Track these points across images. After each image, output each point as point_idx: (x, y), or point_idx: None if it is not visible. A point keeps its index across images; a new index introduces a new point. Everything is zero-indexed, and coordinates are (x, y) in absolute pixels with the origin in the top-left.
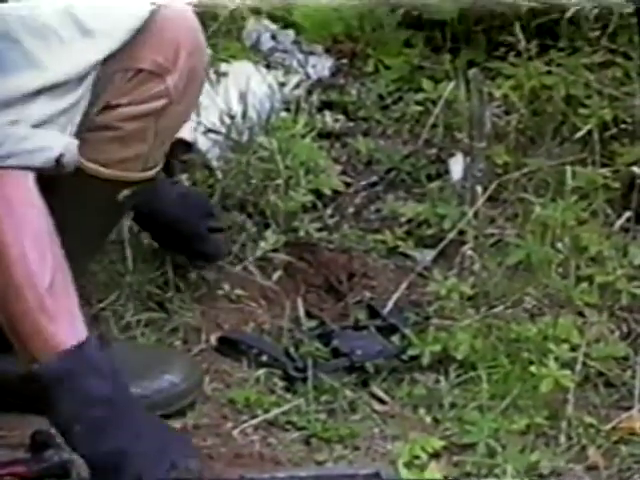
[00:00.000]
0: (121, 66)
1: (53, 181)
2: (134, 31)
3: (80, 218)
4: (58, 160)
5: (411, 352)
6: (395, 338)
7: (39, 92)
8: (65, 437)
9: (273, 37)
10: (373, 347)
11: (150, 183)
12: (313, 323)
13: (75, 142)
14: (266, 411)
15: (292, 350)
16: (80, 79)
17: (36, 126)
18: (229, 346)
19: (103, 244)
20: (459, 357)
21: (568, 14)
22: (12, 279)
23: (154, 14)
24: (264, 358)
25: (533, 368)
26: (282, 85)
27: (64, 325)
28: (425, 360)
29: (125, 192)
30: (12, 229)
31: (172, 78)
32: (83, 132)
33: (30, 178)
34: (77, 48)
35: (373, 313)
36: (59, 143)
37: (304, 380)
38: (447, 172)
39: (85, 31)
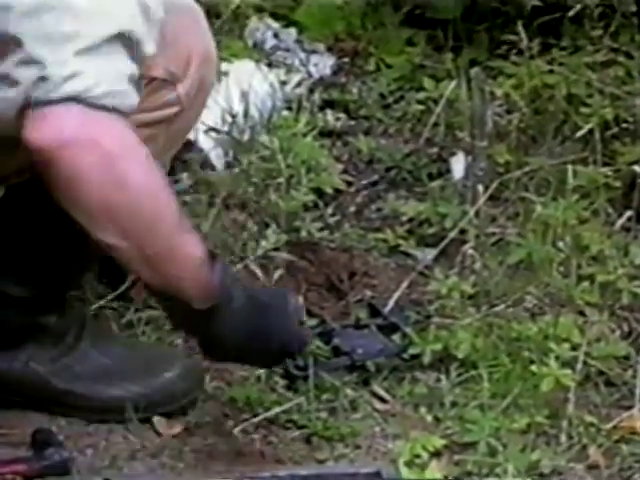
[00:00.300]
0: None
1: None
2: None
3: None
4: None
5: (412, 351)
6: (396, 337)
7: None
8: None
9: (275, 36)
10: (374, 346)
11: None
12: (314, 322)
13: None
14: (267, 409)
15: None
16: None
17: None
18: None
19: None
20: (460, 356)
21: (571, 13)
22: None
23: (168, 23)
24: None
25: (534, 367)
26: (284, 84)
27: (201, 245)
28: (426, 359)
29: None
30: (139, 168)
31: (184, 86)
32: None
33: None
34: None
35: (374, 312)
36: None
37: (305, 379)
38: (448, 171)
39: None
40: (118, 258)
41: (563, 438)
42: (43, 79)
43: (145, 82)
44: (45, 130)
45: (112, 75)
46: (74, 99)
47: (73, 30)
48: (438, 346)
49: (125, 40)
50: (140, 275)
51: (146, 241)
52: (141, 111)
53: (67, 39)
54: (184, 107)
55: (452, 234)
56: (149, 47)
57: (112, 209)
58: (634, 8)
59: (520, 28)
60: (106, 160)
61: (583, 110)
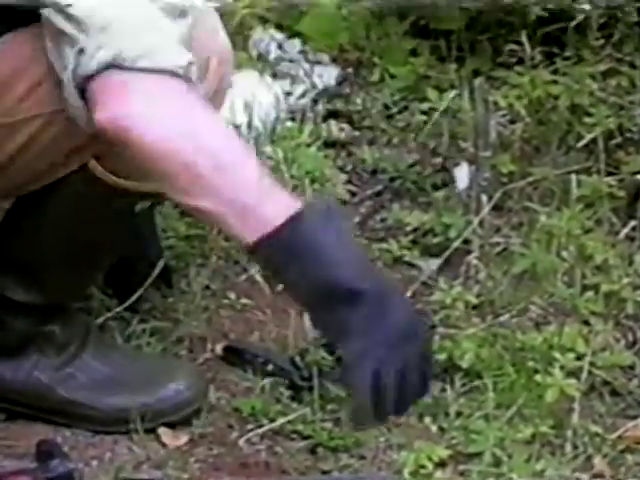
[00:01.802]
0: None
1: (69, 190)
2: None
3: (95, 229)
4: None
5: None
6: None
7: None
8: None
9: (279, 46)
10: None
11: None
12: (318, 332)
13: None
14: (272, 420)
15: (298, 359)
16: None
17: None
18: (234, 355)
19: (115, 254)
20: (464, 366)
21: (573, 23)
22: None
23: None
24: (270, 367)
25: (538, 377)
26: (288, 94)
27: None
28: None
29: (143, 203)
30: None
31: (203, 87)
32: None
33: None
34: None
35: None
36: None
37: (310, 389)
38: (452, 181)
39: None
40: (208, 221)
41: (568, 448)
42: (81, 52)
43: None
44: (104, 110)
45: (151, 38)
46: (111, 66)
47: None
48: (442, 356)
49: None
50: (236, 233)
51: (234, 194)
52: None
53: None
54: None
55: (456, 244)
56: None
57: (192, 168)
58: (637, 18)
59: (524, 38)
60: (173, 120)
61: (587, 120)
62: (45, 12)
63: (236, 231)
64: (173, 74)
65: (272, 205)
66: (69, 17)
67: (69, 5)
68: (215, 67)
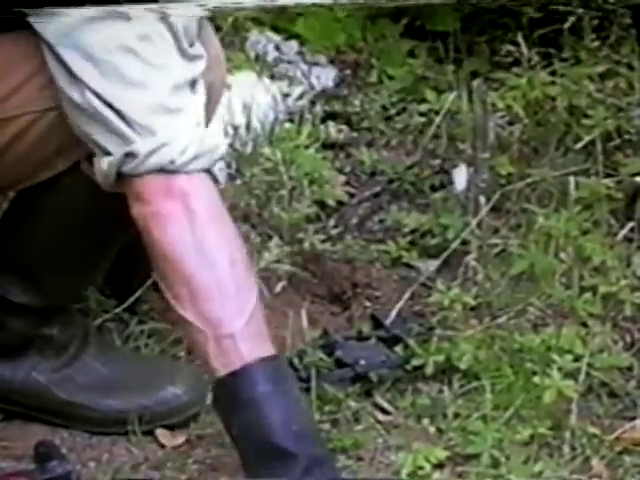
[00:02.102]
0: None
1: (65, 192)
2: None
3: (92, 230)
4: None
5: (414, 362)
6: (398, 348)
7: (180, 89)
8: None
9: (277, 48)
10: (376, 357)
11: None
12: (316, 333)
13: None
14: None
15: (296, 360)
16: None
17: (198, 124)
18: None
19: (114, 256)
20: (462, 367)
21: (567, 25)
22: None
23: None
24: None
25: (536, 378)
26: (286, 96)
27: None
28: (428, 370)
29: None
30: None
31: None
32: None
33: (210, 179)
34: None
35: (377, 324)
36: (222, 137)
37: (307, 390)
38: (450, 182)
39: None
40: (187, 335)
41: (566, 449)
42: (130, 155)
43: None
44: (135, 202)
45: (197, 136)
46: (161, 170)
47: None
48: (440, 357)
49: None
50: (208, 359)
51: (223, 319)
52: None
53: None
54: None
55: (454, 245)
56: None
57: (191, 282)
58: (630, 20)
59: (520, 39)
60: (189, 233)
61: (585, 121)
62: (75, 94)
63: (210, 356)
64: (209, 173)
65: (251, 346)
66: (115, 111)
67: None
68: (203, 73)
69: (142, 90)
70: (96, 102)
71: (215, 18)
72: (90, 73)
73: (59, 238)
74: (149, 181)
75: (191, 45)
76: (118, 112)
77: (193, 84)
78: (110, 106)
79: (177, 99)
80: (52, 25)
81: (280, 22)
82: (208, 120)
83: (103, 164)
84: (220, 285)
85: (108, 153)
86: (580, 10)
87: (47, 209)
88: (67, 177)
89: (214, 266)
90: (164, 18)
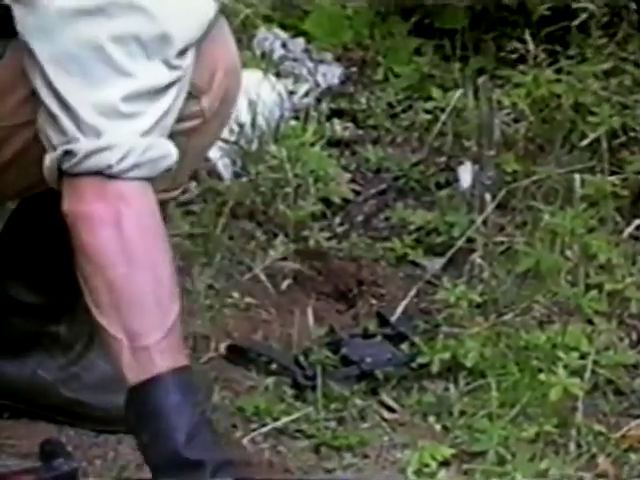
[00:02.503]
0: None
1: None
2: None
3: None
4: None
5: (420, 360)
6: (404, 346)
7: (139, 96)
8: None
9: (283, 45)
10: (382, 355)
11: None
12: (322, 331)
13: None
14: (275, 419)
15: (302, 358)
16: (171, 83)
17: (147, 133)
18: (239, 354)
19: None
20: (468, 365)
21: (576, 22)
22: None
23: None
24: (274, 366)
25: (542, 376)
26: (292, 93)
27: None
28: (434, 368)
29: None
30: (146, 248)
31: (207, 99)
32: None
33: (151, 188)
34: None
35: (382, 321)
36: (173, 148)
37: (313, 388)
38: (456, 180)
39: (163, 36)
40: (103, 341)
41: (572, 447)
42: (69, 153)
43: None
44: (68, 199)
45: (142, 144)
46: (99, 173)
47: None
48: (446, 355)
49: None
50: (122, 366)
51: (141, 330)
52: None
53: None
54: (207, 120)
55: (460, 243)
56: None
57: (115, 289)
58: (636, 17)
59: (527, 37)
60: (118, 240)
61: (590, 119)
62: (37, 87)
63: (123, 365)
64: (150, 179)
65: (165, 357)
66: (66, 107)
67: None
68: (221, 79)
69: (98, 90)
70: (52, 95)
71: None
72: (55, 65)
73: (63, 239)
74: (85, 182)
75: (182, 52)
76: (69, 108)
77: (162, 91)
78: (63, 101)
79: (133, 105)
80: (30, 17)
81: (289, 19)
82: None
83: (46, 160)
84: (142, 298)
85: (54, 148)
86: (591, 6)
87: (52, 211)
88: None
89: (138, 278)
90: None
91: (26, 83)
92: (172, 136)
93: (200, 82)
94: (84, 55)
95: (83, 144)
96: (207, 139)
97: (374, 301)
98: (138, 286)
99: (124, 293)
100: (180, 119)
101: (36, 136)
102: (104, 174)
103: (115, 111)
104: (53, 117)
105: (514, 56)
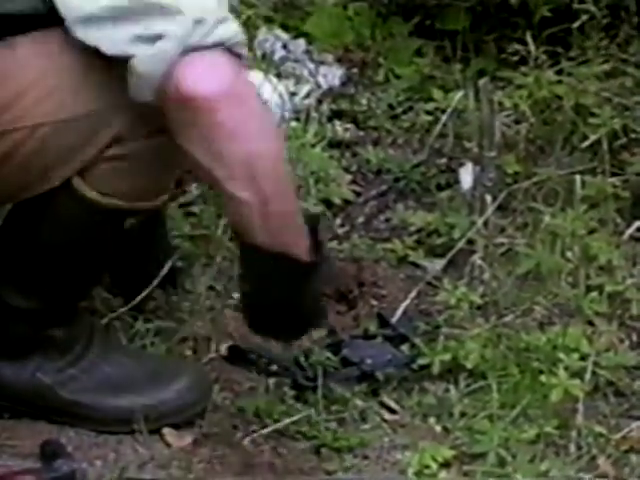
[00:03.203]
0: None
1: (59, 205)
2: None
3: (86, 244)
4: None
5: (421, 361)
6: (405, 347)
7: None
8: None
9: (284, 46)
10: (383, 356)
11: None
12: (323, 332)
13: None
14: (276, 421)
15: (302, 359)
16: None
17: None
18: (239, 355)
19: (107, 266)
20: (469, 366)
21: (576, 24)
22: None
23: None
24: (274, 367)
25: (543, 377)
26: (292, 94)
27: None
28: (435, 369)
29: (131, 220)
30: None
31: None
32: (98, 163)
33: None
34: None
35: (383, 322)
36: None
37: (314, 389)
38: (457, 181)
39: None
40: (238, 213)
41: (572, 448)
42: (200, 22)
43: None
44: (201, 79)
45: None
46: (221, 45)
47: None
48: (447, 356)
49: None
50: (252, 232)
51: (275, 197)
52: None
53: None
54: None
55: (460, 244)
56: None
57: (254, 162)
58: (637, 19)
59: (529, 39)
60: (255, 114)
61: (591, 120)
62: None
63: (254, 227)
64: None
65: (297, 218)
66: None
67: None
68: None
69: None
70: None
71: None
72: None
73: (54, 249)
74: (217, 56)
75: None
76: None
77: None
78: None
79: None
80: None
81: (290, 20)
82: None
83: (148, 56)
84: (275, 168)
85: (158, 38)
86: (592, 8)
87: (45, 219)
88: (58, 193)
89: (273, 150)
90: None
91: (7, 86)
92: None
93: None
94: None
95: (211, 14)
96: None
97: (375, 302)
98: (273, 155)
99: (261, 165)
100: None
101: (20, 141)
102: (226, 46)
103: None
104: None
105: (515, 57)
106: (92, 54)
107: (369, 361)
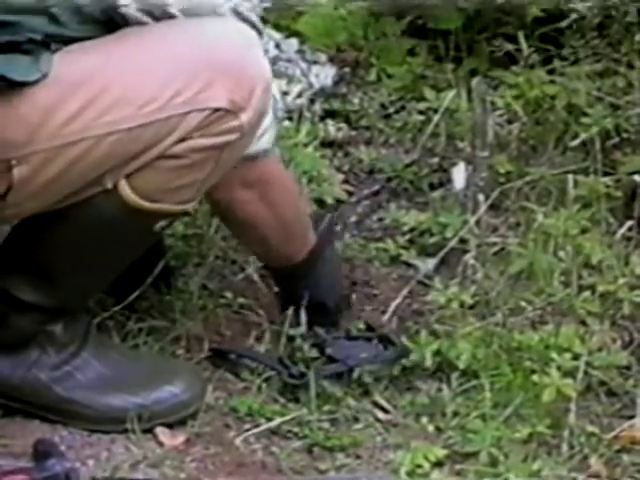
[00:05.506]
0: (194, 107)
1: (92, 205)
2: None
3: (116, 244)
4: None
5: (413, 357)
6: (393, 346)
7: None
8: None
9: (277, 46)
10: (368, 353)
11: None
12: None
13: None
14: (269, 420)
15: (286, 358)
16: None
17: None
18: (220, 357)
19: (128, 264)
20: (461, 366)
21: (564, 23)
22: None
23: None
24: (259, 366)
25: (535, 377)
26: (285, 94)
27: None
28: (427, 363)
29: (162, 223)
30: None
31: (247, 115)
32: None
33: None
34: None
35: (370, 330)
36: None
37: (306, 387)
38: (449, 181)
39: None
40: (254, 233)
41: (564, 448)
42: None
43: (207, 113)
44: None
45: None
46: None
47: None
48: (439, 356)
49: None
50: (267, 246)
51: (286, 208)
52: (200, 136)
53: None
54: (243, 135)
55: (453, 244)
56: None
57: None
58: (634, 18)
59: (521, 38)
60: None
61: (583, 120)
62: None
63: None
64: None
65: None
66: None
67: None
68: (259, 96)
69: None
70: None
71: None
72: None
73: (79, 247)
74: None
75: None
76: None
77: None
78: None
79: None
80: None
81: (282, 20)
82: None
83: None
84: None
85: None
86: (584, 5)
87: (71, 218)
88: (102, 191)
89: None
90: None
91: (75, 96)
92: (205, 150)
93: (240, 100)
94: None
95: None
96: (238, 153)
97: (367, 301)
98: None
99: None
100: (217, 134)
101: (88, 150)
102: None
103: None
104: None
105: (507, 57)
106: (157, 62)
107: (355, 358)
